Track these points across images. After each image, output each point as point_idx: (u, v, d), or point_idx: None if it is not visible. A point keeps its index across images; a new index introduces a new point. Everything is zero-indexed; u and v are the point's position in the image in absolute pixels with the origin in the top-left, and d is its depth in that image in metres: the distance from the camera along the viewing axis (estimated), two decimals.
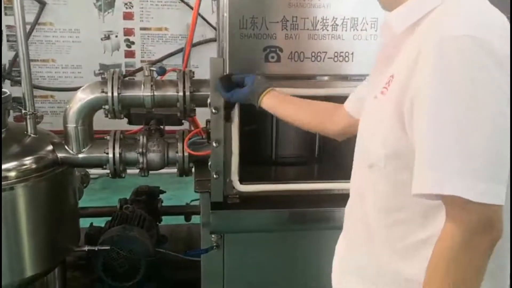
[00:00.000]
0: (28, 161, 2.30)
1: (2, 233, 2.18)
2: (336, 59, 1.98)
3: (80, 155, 2.44)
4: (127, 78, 2.47)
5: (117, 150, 2.44)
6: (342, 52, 1.98)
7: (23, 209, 2.25)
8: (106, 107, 2.38)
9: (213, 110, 1.98)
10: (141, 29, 4.77)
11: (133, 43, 4.80)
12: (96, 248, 2.59)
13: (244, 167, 2.07)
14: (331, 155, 2.39)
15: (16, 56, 4.10)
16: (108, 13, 4.70)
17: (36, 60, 4.57)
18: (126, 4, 4.70)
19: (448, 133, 0.96)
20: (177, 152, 2.47)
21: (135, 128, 2.75)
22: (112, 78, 2.37)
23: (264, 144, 2.34)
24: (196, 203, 3.18)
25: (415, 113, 1.02)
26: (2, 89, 2.37)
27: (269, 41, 1.92)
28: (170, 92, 2.41)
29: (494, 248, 0.99)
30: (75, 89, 2.62)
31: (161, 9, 4.73)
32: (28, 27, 4.04)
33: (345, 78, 2.04)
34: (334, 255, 1.46)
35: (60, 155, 2.42)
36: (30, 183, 2.27)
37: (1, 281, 2.20)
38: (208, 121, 2.19)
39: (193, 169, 2.52)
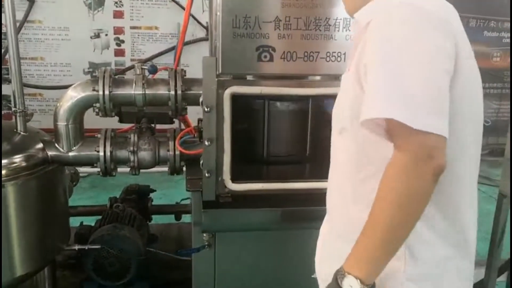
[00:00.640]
0: (18, 159, 2.28)
1: None
2: (328, 59, 2.00)
3: (71, 153, 2.42)
4: (117, 76, 2.46)
5: (108, 149, 2.43)
6: (335, 52, 2.00)
7: (13, 208, 2.23)
8: (97, 105, 2.37)
9: (206, 109, 1.98)
10: (131, 27, 4.76)
11: (123, 41, 4.79)
12: (86, 247, 2.57)
13: (236, 165, 2.08)
14: (322, 154, 2.40)
15: (5, 53, 4.07)
16: (98, 11, 4.68)
17: (25, 58, 4.54)
18: (116, 2, 4.69)
19: (391, 72, 1.12)
20: (168, 151, 2.47)
21: (126, 126, 2.74)
22: (104, 76, 2.36)
23: (255, 142, 2.35)
24: (186, 202, 3.18)
25: (368, 70, 1.17)
26: None
27: (262, 41, 1.93)
28: (162, 90, 2.41)
29: (437, 178, 1.09)
30: (64, 87, 2.62)
31: (152, 8, 4.72)
32: (17, 24, 4.00)
33: (337, 77, 2.04)
34: (318, 237, 1.55)
35: (50, 153, 2.40)
36: (20, 181, 2.25)
37: (1, 280, 2.19)
38: (200, 120, 2.19)
39: (184, 168, 2.52)
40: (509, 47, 5.93)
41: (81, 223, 3.01)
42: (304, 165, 2.43)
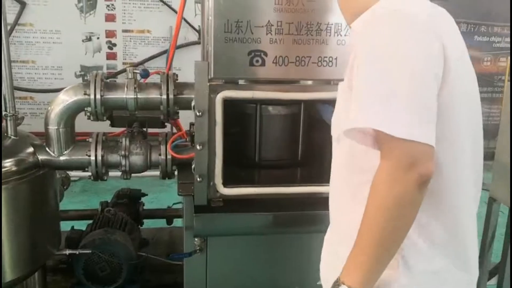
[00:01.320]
0: (8, 163, 2.27)
1: None
2: (320, 63, 2.00)
3: (62, 158, 2.41)
4: (108, 80, 2.45)
5: (99, 153, 2.42)
6: (326, 57, 2.00)
7: (3, 212, 2.21)
8: (89, 109, 2.36)
9: (198, 113, 1.98)
10: (123, 31, 4.75)
11: (115, 45, 4.77)
12: (77, 252, 2.56)
13: (228, 170, 2.08)
14: (314, 158, 2.41)
15: None
16: (90, 14, 4.67)
17: (16, 61, 4.52)
18: (108, 6, 4.67)
19: (374, 83, 1.12)
20: (160, 155, 2.46)
21: (117, 130, 2.73)
22: (95, 80, 2.35)
23: (247, 147, 2.35)
24: (178, 206, 3.17)
25: (354, 79, 1.19)
26: None
27: (254, 45, 1.93)
28: (154, 94, 2.41)
29: (424, 186, 1.09)
30: (56, 90, 2.61)
31: (144, 11, 4.71)
32: (8, 27, 3.98)
33: (328, 82, 2.06)
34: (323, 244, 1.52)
35: (41, 157, 2.39)
36: (11, 185, 2.24)
37: (1, 280, 2.18)
38: (192, 124, 2.19)
39: (176, 172, 2.51)
40: (499, 52, 6.00)
41: (72, 227, 2.99)
42: (296, 169, 2.43)
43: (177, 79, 2.45)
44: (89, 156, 2.41)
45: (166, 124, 2.66)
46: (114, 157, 2.45)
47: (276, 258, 2.28)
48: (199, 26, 4.45)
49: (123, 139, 2.48)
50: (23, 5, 4.46)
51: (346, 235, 1.32)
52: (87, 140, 2.46)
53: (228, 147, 2.06)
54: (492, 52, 5.96)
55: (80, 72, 4.71)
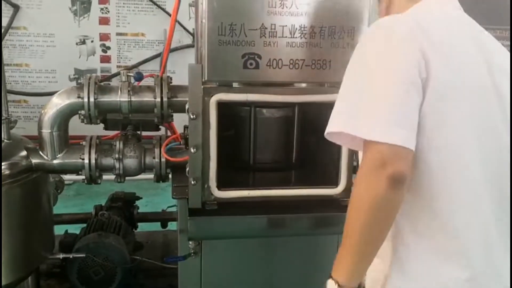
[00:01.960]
0: (1, 167, 2.26)
1: None
2: (313, 66, 2.00)
3: (55, 161, 2.40)
4: (102, 83, 2.45)
5: (93, 156, 2.41)
6: (320, 59, 2.00)
7: None
8: (82, 112, 2.36)
9: (192, 116, 1.97)
10: (117, 34, 4.74)
11: (109, 48, 4.76)
12: (71, 256, 2.55)
13: (222, 172, 2.07)
14: (308, 161, 2.41)
15: None
16: (84, 17, 4.66)
17: (9, 64, 4.50)
18: (102, 9, 4.66)
19: (352, 90, 1.22)
20: (154, 158, 2.46)
21: (111, 133, 2.72)
22: (89, 83, 2.35)
23: (242, 150, 2.34)
24: (172, 209, 3.16)
25: None
26: None
27: (248, 48, 1.93)
28: (148, 97, 2.40)
29: (397, 186, 1.12)
30: (50, 94, 2.59)
31: (138, 14, 4.71)
32: (1, 30, 3.98)
33: (322, 85, 2.06)
34: None
35: (34, 161, 2.38)
36: (4, 189, 2.23)
37: (1, 281, 2.17)
38: (186, 127, 2.18)
39: (170, 175, 2.51)
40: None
41: (66, 231, 2.98)
42: (290, 172, 2.43)
43: (171, 82, 2.45)
44: (83, 159, 2.40)
45: (160, 127, 2.65)
46: (108, 160, 2.44)
47: (270, 261, 2.28)
48: (193, 29, 4.45)
49: (117, 142, 2.47)
50: (16, 9, 4.44)
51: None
52: (80, 143, 2.46)
53: (222, 150, 2.05)
54: None
55: (74, 75, 4.69)
